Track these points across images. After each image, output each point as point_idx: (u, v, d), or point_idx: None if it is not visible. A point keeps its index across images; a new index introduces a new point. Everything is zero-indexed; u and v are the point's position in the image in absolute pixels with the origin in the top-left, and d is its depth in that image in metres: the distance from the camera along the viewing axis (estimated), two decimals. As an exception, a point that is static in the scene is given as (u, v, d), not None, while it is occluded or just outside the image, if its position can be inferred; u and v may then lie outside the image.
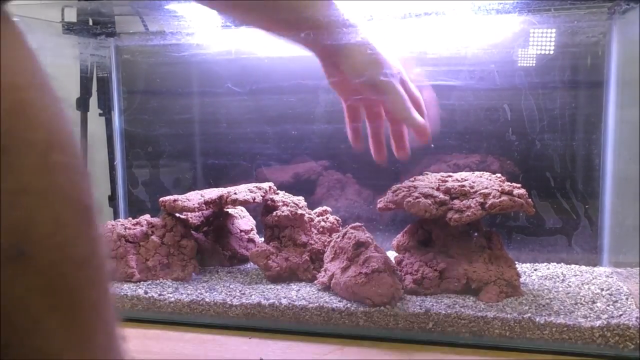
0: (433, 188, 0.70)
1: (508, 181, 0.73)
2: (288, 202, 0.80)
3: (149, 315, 0.72)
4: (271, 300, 0.68)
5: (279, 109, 1.01)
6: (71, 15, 0.96)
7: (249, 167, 1.04)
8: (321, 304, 0.66)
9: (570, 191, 0.87)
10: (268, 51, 0.98)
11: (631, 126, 0.76)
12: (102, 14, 0.96)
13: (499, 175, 0.75)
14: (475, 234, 0.71)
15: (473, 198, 0.68)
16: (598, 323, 0.59)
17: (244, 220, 0.92)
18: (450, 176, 0.76)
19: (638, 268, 0.70)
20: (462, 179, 0.73)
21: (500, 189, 0.68)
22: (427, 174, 0.79)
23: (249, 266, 0.86)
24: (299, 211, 0.79)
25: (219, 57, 1.01)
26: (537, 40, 0.85)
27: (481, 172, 0.76)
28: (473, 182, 0.71)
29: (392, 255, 0.76)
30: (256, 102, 1.03)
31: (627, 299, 0.65)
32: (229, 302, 0.69)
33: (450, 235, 0.71)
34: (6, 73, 0.28)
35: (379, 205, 0.74)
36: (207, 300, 0.70)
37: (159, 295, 0.72)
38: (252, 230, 0.92)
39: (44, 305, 0.28)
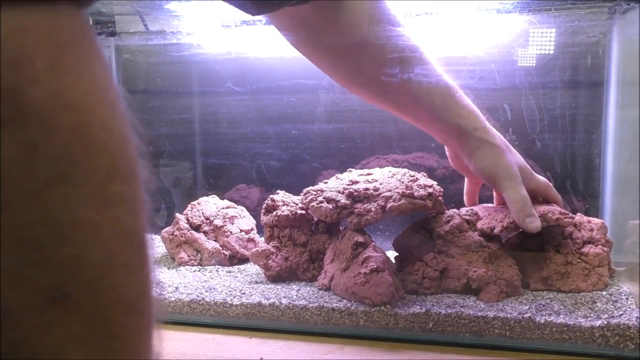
0: (339, 191, 0.72)
1: (433, 178, 0.76)
2: (288, 201, 0.80)
3: (149, 315, 0.72)
4: (271, 300, 0.68)
5: (279, 109, 1.01)
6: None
7: (249, 167, 1.04)
8: (321, 304, 0.66)
9: (570, 191, 0.87)
10: (268, 51, 0.98)
11: (631, 126, 0.76)
12: (102, 13, 0.96)
13: (413, 173, 0.76)
14: (476, 233, 0.71)
15: (375, 201, 0.69)
16: (598, 323, 0.59)
17: (244, 220, 0.92)
18: (369, 174, 0.77)
19: (638, 268, 0.70)
20: (373, 179, 0.74)
21: (401, 192, 0.69)
22: (350, 171, 0.81)
23: (249, 266, 0.86)
24: (299, 211, 0.79)
25: (219, 56, 1.01)
26: (538, 40, 0.85)
27: (397, 170, 0.77)
28: (380, 184, 0.72)
29: (392, 255, 0.76)
30: (256, 102, 1.03)
31: (627, 298, 0.65)
32: (229, 302, 0.69)
33: (450, 234, 0.71)
34: (74, 90, 0.24)
35: None
36: (207, 299, 0.70)
37: (159, 294, 0.72)
38: (252, 230, 0.92)
39: (81, 354, 0.24)
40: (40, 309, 0.23)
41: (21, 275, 0.23)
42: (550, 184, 0.74)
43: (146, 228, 0.28)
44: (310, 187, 0.77)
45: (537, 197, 0.73)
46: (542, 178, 0.73)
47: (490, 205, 0.78)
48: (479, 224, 0.71)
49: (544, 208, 0.69)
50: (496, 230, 0.69)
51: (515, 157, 0.71)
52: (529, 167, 0.72)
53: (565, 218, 0.69)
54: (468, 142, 0.69)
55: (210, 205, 0.92)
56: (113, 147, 0.26)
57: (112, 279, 0.25)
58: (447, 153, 0.77)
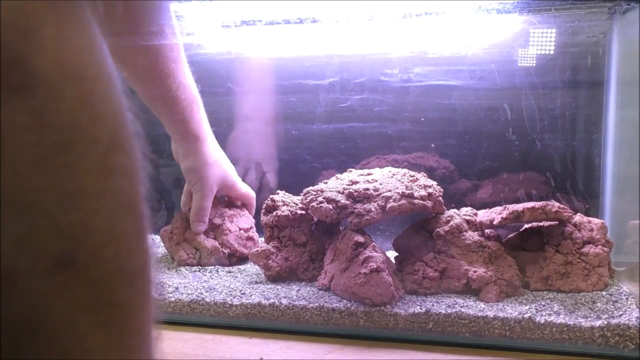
0: (339, 192, 0.72)
1: (433, 178, 0.77)
2: (288, 202, 0.80)
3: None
4: (271, 300, 0.68)
5: (279, 109, 1.01)
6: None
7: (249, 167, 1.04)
8: (321, 304, 0.66)
9: (570, 191, 0.87)
10: (268, 51, 0.98)
11: (631, 126, 0.76)
12: (102, 13, 0.96)
13: (413, 174, 0.76)
14: (476, 233, 0.71)
15: (375, 201, 0.70)
16: (598, 323, 0.59)
17: (243, 219, 0.92)
18: (369, 174, 0.77)
19: (638, 268, 0.70)
20: (372, 179, 0.74)
21: (401, 192, 0.69)
22: (350, 171, 0.81)
23: (249, 266, 0.86)
24: (299, 211, 0.79)
25: (219, 56, 1.01)
26: (538, 40, 0.85)
27: (397, 170, 0.78)
28: (380, 184, 0.72)
29: (392, 255, 0.76)
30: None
31: (627, 299, 0.65)
32: (229, 302, 0.69)
33: (450, 234, 0.71)
34: (75, 62, 0.25)
35: None
36: (207, 300, 0.70)
37: (159, 294, 0.72)
38: (251, 228, 0.92)
39: (87, 322, 0.25)
40: (49, 273, 0.24)
41: (30, 240, 0.23)
42: (253, 196, 0.91)
43: (145, 201, 0.29)
44: (310, 187, 0.77)
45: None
46: (245, 189, 0.90)
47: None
48: (479, 218, 0.72)
49: (542, 202, 0.70)
50: (495, 222, 0.69)
51: (221, 171, 0.85)
52: (234, 179, 0.87)
53: (564, 212, 0.69)
54: (184, 149, 0.83)
55: None
56: (113, 118, 0.26)
57: (115, 247, 0.26)
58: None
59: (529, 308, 0.63)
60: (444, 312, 0.63)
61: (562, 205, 0.70)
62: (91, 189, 0.25)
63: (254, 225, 0.92)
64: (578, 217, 0.73)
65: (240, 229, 0.90)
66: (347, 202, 0.71)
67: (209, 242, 0.86)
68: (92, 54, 0.26)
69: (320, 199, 0.72)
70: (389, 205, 0.69)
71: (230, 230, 0.89)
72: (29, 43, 0.23)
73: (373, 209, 0.69)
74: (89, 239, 0.25)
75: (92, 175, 0.25)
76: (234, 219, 0.91)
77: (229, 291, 0.73)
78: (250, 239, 0.90)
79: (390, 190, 0.70)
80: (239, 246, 0.88)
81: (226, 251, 0.87)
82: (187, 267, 0.85)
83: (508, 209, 0.69)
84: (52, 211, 0.24)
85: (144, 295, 0.28)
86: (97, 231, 0.25)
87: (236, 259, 0.88)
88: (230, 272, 0.83)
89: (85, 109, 0.25)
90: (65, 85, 0.24)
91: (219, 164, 0.86)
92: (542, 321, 0.60)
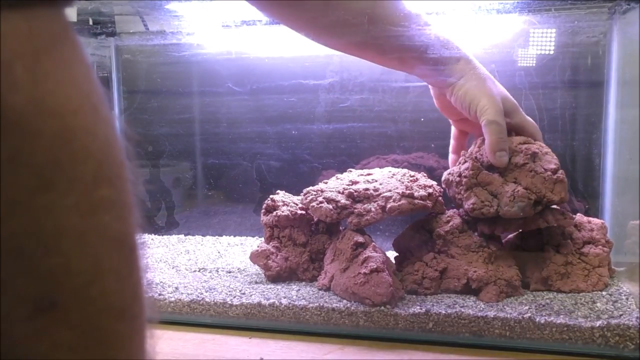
0: (339, 192, 0.72)
1: (433, 178, 0.77)
2: (288, 202, 0.80)
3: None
4: (271, 300, 0.68)
5: (279, 109, 1.01)
6: (71, 15, 0.96)
7: (249, 167, 1.04)
8: (321, 304, 0.66)
9: (570, 191, 0.87)
10: (268, 51, 0.98)
11: (631, 126, 0.76)
12: (102, 13, 0.96)
13: (413, 173, 0.76)
14: (475, 233, 0.71)
15: (375, 201, 0.70)
16: (598, 323, 0.59)
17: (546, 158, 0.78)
18: (369, 174, 0.77)
19: (638, 268, 0.70)
20: (372, 179, 0.74)
21: (401, 192, 0.69)
22: (350, 171, 0.81)
23: (249, 266, 0.86)
24: (299, 211, 0.79)
25: (219, 56, 1.01)
26: (538, 40, 0.85)
27: (397, 170, 0.78)
28: (380, 184, 0.72)
29: (392, 255, 0.76)
30: (256, 102, 1.03)
31: (627, 299, 0.65)
32: (229, 302, 0.69)
33: (450, 234, 0.71)
34: (55, 96, 0.24)
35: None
36: (207, 299, 0.70)
37: (159, 295, 0.72)
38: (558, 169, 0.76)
39: None
40: (27, 318, 0.23)
41: (7, 286, 0.23)
42: (537, 127, 0.72)
43: (136, 232, 0.28)
44: (310, 187, 0.77)
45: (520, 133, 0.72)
46: (529, 118, 0.72)
47: None
48: (479, 224, 0.71)
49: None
50: (497, 232, 0.69)
51: (499, 89, 0.70)
52: (514, 101, 0.71)
53: (565, 219, 0.69)
54: (451, 73, 0.69)
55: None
56: (98, 152, 0.25)
57: (101, 286, 0.25)
58: (432, 93, 0.76)
59: (529, 308, 0.63)
60: (444, 312, 0.63)
61: (563, 211, 0.70)
62: (73, 228, 0.24)
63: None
64: (578, 217, 0.73)
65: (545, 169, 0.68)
66: (347, 202, 0.71)
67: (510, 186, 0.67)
68: (73, 86, 0.25)
69: (320, 199, 0.72)
70: (389, 205, 0.69)
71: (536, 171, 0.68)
72: (1, 81, 0.22)
73: (373, 209, 0.69)
74: (71, 280, 0.24)
75: (74, 214, 0.24)
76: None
77: (229, 291, 0.73)
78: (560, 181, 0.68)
79: (390, 190, 0.70)
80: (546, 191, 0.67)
81: (532, 197, 0.67)
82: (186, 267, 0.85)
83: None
84: (30, 256, 0.23)
85: (135, 328, 0.27)
86: (80, 272, 0.24)
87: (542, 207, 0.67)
88: (230, 272, 0.83)
89: (66, 145, 0.24)
90: (42, 122, 0.23)
91: (497, 83, 0.71)
92: (542, 321, 0.60)
